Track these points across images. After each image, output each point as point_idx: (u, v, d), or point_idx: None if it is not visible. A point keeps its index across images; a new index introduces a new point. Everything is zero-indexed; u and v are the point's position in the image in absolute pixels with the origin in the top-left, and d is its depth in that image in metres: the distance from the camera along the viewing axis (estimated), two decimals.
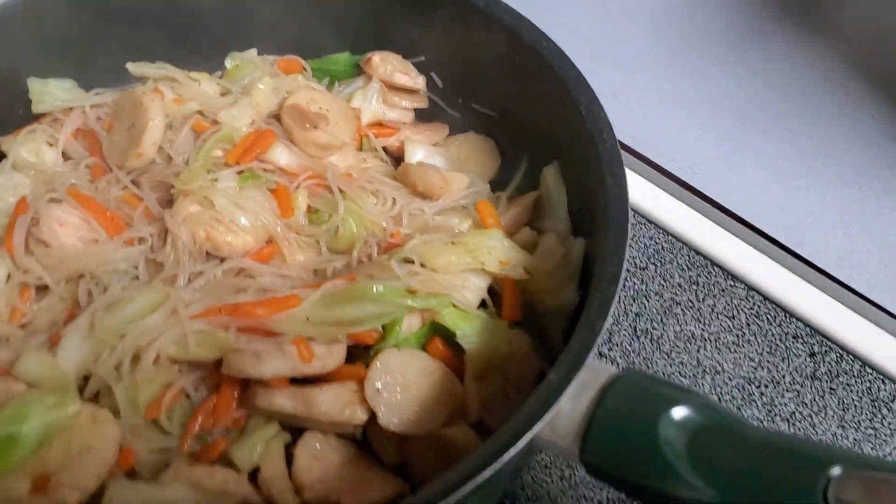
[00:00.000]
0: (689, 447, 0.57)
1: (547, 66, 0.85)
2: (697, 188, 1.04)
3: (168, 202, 0.85)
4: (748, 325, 0.94)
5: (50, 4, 0.90)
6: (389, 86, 1.00)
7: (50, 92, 0.92)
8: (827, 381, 0.90)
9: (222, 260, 0.81)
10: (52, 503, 0.63)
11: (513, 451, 0.56)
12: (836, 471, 0.53)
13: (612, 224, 0.70)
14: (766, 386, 0.89)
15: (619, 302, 0.96)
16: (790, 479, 0.54)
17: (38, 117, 0.92)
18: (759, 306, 0.95)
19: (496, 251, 0.80)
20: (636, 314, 0.95)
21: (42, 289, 0.81)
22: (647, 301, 0.96)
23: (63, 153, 0.90)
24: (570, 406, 0.61)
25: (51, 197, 0.82)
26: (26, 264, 0.79)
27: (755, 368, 0.90)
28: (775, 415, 0.87)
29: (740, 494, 0.55)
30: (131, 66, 0.93)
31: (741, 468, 0.56)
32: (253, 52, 1.00)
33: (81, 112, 0.91)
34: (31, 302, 0.80)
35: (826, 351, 0.92)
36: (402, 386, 0.72)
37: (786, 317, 0.94)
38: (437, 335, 0.78)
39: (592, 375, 0.63)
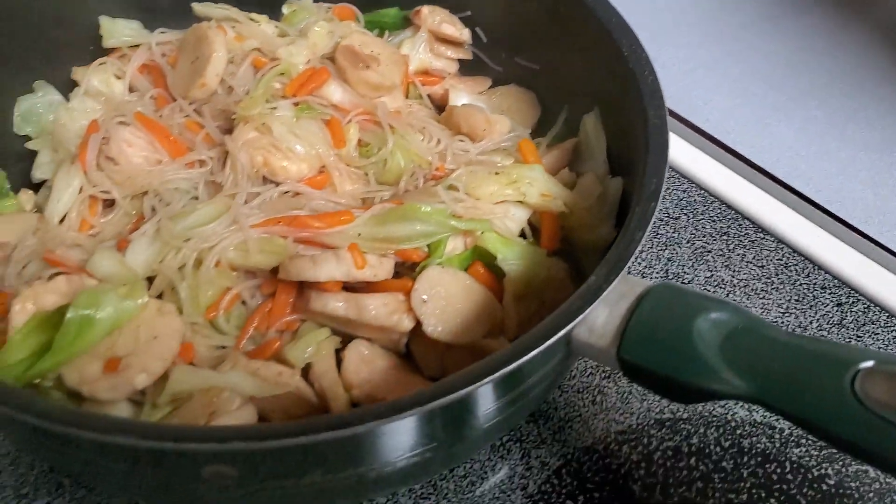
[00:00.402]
0: (723, 345, 0.61)
1: (590, 13, 0.89)
2: (730, 146, 1.08)
3: (227, 130, 0.90)
4: (777, 274, 0.97)
5: None
6: (436, 36, 1.05)
7: (118, 29, 0.98)
8: (853, 329, 0.92)
9: (277, 184, 0.86)
10: (122, 383, 0.67)
11: (553, 340, 0.60)
12: (865, 364, 0.56)
13: (651, 147, 0.74)
14: (794, 330, 0.91)
15: (651, 248, 0.99)
16: (821, 372, 0.57)
17: (107, 53, 0.98)
18: (787, 257, 0.98)
19: (537, 183, 0.84)
20: (668, 259, 0.98)
21: (108, 204, 0.87)
22: (679, 248, 0.99)
23: (129, 86, 0.96)
24: (608, 311, 0.65)
25: (119, 120, 0.88)
26: (96, 179, 0.84)
27: (783, 314, 0.93)
28: None
29: (773, 387, 0.58)
30: (196, 6, 0.99)
31: (773, 364, 0.59)
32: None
33: (148, 48, 0.97)
34: (98, 216, 0.85)
35: (853, 302, 0.95)
36: (445, 299, 0.76)
37: (814, 268, 0.97)
38: (479, 261, 0.82)
39: (630, 286, 0.66)
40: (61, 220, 0.84)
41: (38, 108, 0.93)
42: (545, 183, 0.84)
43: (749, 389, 0.59)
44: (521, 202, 0.84)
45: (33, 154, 0.92)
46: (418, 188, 0.88)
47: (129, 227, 0.84)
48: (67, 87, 0.96)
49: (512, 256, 0.80)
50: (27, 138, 0.93)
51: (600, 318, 0.65)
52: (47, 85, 0.94)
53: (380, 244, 0.77)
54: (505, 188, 0.83)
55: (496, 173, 0.84)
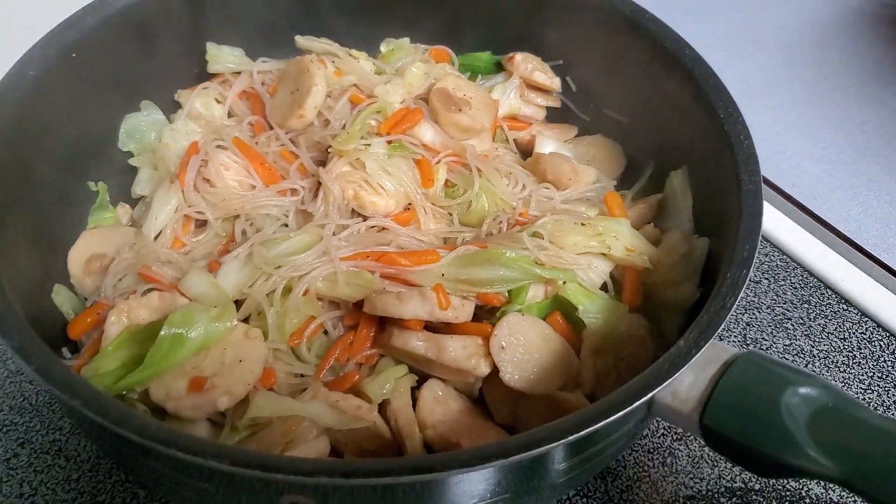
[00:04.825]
0: (811, 422, 0.60)
1: (687, 73, 0.89)
2: (816, 213, 1.06)
3: (320, 162, 0.93)
4: (859, 348, 0.94)
5: None
6: (527, 83, 1.06)
7: (223, 56, 1.02)
8: None
9: (365, 218, 0.88)
10: (205, 403, 0.69)
11: (638, 403, 0.59)
12: None
13: (745, 213, 0.73)
14: (876, 409, 0.88)
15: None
16: None
17: (210, 77, 1.02)
18: (871, 332, 0.95)
19: (623, 237, 0.84)
20: (747, 324, 0.96)
21: (200, 224, 0.90)
22: (759, 313, 0.97)
23: (229, 111, 0.99)
24: (693, 376, 0.64)
25: (218, 143, 0.91)
26: (193, 199, 0.88)
27: (864, 390, 0.90)
28: None
29: (863, 471, 0.57)
30: (299, 39, 1.02)
31: (865, 447, 0.58)
32: (406, 39, 1.08)
33: (249, 75, 1.00)
34: (190, 235, 0.88)
35: None
36: (524, 347, 0.76)
37: None
38: (558, 310, 0.82)
39: (716, 352, 0.66)
40: (156, 237, 0.87)
41: (141, 126, 0.98)
42: (631, 237, 0.84)
43: (837, 471, 0.57)
44: (604, 255, 0.84)
45: (133, 169, 0.96)
46: (501, 232, 0.89)
47: (218, 249, 0.87)
48: (170, 108, 1.00)
49: (593, 309, 0.80)
50: (129, 154, 0.97)
51: (685, 383, 0.64)
52: (153, 105, 0.99)
53: (462, 286, 0.78)
54: (590, 240, 0.83)
55: (582, 224, 0.84)
